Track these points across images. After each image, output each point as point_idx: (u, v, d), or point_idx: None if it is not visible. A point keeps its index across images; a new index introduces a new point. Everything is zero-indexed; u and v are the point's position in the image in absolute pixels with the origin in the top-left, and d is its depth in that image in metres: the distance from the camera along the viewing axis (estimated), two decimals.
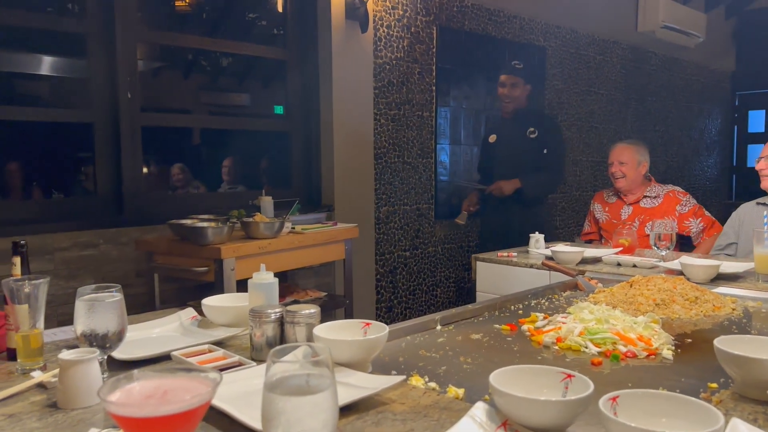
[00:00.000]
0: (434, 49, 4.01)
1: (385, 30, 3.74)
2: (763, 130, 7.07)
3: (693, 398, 0.87)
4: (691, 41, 6.05)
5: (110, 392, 0.63)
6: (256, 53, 3.67)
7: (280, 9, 3.79)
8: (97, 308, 1.11)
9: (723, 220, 3.21)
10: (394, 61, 3.80)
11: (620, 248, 2.70)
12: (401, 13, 3.82)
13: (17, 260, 1.28)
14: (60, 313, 2.54)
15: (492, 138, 3.71)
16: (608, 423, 0.81)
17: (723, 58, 6.89)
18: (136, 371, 0.66)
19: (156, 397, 0.64)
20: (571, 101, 5.10)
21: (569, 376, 0.96)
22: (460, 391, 1.14)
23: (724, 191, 7.18)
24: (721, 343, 1.11)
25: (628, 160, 3.23)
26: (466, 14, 4.20)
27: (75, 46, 3.16)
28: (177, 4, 4.08)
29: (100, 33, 2.88)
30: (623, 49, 5.58)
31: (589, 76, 5.26)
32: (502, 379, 0.95)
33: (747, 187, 6.95)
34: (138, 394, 0.64)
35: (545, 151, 3.57)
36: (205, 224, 2.50)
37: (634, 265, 2.37)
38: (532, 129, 3.58)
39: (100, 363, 1.09)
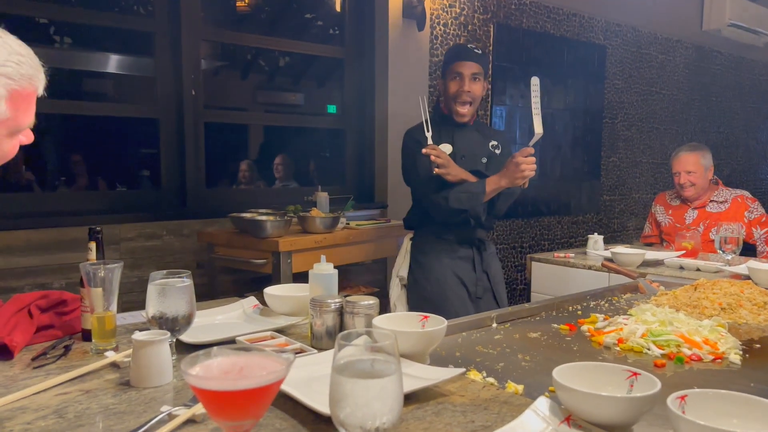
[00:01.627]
0: (491, 47, 3.98)
1: (442, 28, 3.74)
2: None
3: (763, 399, 0.84)
4: (760, 40, 5.81)
5: (191, 366, 0.66)
6: (314, 52, 3.73)
7: (337, 8, 3.83)
8: (168, 292, 1.16)
9: None
10: None
11: (683, 251, 2.62)
12: (458, 11, 3.81)
13: (93, 245, 1.35)
14: (125, 301, 2.65)
15: (445, 149, 2.41)
16: (677, 421, 0.79)
17: None
18: (215, 348, 0.69)
19: (233, 372, 0.66)
20: (632, 101, 4.98)
21: (635, 374, 0.94)
22: (520, 387, 1.14)
23: None
24: None
25: (696, 169, 3.11)
26: (524, 12, 4.15)
27: (142, 45, 3.29)
28: (238, 4, 4.18)
29: (166, 32, 2.99)
30: (687, 48, 5.40)
31: (651, 76, 5.12)
32: (565, 374, 0.94)
33: None
34: (216, 369, 0.67)
35: None
36: (264, 218, 2.56)
37: (698, 269, 2.30)
38: (495, 142, 2.50)
39: (170, 345, 1.14)
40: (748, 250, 3.06)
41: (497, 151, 2.52)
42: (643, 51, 5.02)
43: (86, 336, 1.32)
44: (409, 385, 1.00)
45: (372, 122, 3.65)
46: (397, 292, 2.50)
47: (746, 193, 3.19)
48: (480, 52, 2.43)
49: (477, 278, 2.42)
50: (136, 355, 1.08)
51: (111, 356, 1.20)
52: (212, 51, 4.45)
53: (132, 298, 2.67)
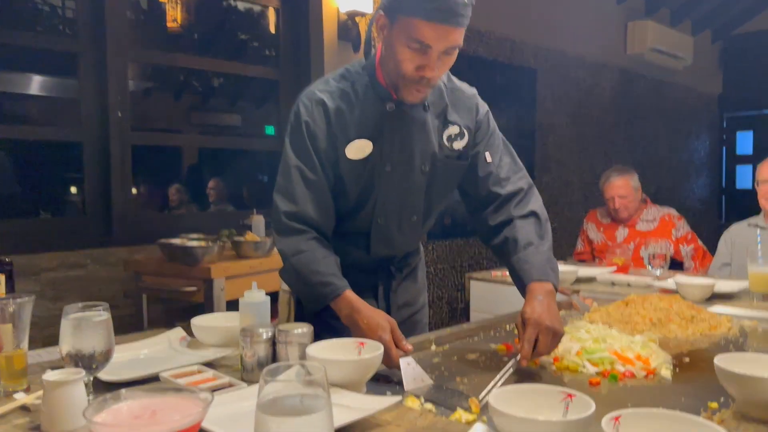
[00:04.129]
0: None
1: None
2: (751, 152, 7.14)
3: (697, 417, 0.85)
4: (679, 64, 6.13)
5: (96, 413, 0.61)
6: (248, 72, 3.67)
7: (272, 30, 3.80)
8: (84, 327, 1.08)
9: (714, 241, 3.21)
10: None
11: (614, 267, 2.69)
12: None
13: (1, 278, 1.25)
14: (46, 335, 2.49)
15: (359, 148, 1.49)
16: None
17: (710, 80, 6.98)
18: (123, 390, 0.64)
19: (144, 417, 0.61)
20: (562, 123, 5.13)
21: (570, 395, 0.93)
22: (471, 417, 1.09)
23: (714, 212, 7.23)
24: (721, 361, 1.09)
25: (627, 192, 3.23)
26: None
27: (65, 66, 3.16)
28: (169, 25, 4.10)
29: (90, 52, 2.87)
30: (612, 72, 5.64)
31: (579, 98, 5.30)
32: (501, 399, 0.93)
33: (737, 209, 7.00)
34: (126, 415, 0.61)
35: (488, 159, 1.61)
36: (194, 243, 2.47)
37: (629, 284, 2.36)
38: (455, 129, 1.57)
39: (86, 384, 1.06)
40: (677, 266, 3.18)
41: (457, 145, 1.57)
42: (571, 74, 5.20)
43: None
44: (343, 418, 0.96)
45: None
46: (285, 302, 1.79)
47: (673, 211, 3.32)
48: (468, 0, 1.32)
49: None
50: (48, 397, 1.00)
51: (21, 398, 1.11)
52: (142, 72, 4.32)
53: (54, 332, 2.50)
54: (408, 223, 1.62)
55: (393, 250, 1.66)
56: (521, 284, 1.49)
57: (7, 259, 1.26)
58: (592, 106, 5.43)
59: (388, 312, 1.67)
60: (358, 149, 1.48)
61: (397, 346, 1.29)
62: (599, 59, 5.46)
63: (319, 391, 0.72)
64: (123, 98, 2.94)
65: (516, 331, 1.41)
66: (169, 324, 2.56)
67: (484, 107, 1.66)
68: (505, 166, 1.62)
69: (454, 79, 1.66)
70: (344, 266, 1.50)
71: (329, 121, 1.48)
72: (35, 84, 3.90)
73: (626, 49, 5.71)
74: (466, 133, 1.59)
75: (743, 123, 7.21)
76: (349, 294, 1.39)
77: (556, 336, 1.35)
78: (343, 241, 1.59)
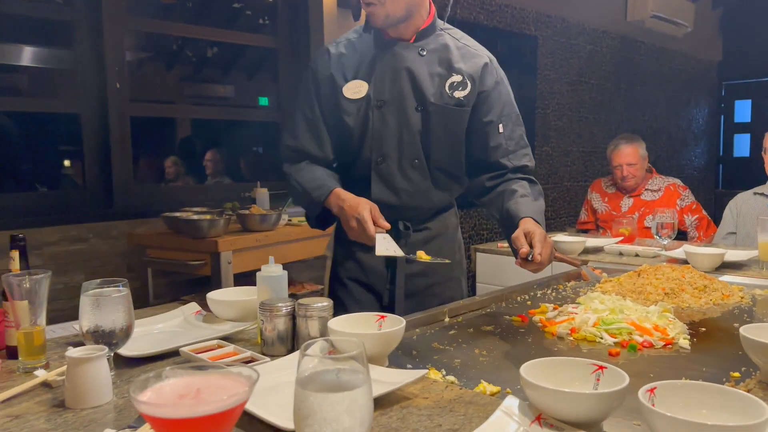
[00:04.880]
0: None
1: None
2: (749, 119, 7.11)
3: (732, 388, 0.85)
4: (679, 30, 6.06)
5: (140, 391, 0.59)
6: (245, 41, 3.61)
7: None
8: (103, 304, 1.07)
9: (710, 209, 3.22)
10: None
11: (621, 237, 2.69)
12: None
13: (15, 254, 1.23)
14: (52, 309, 2.46)
15: (356, 88, 1.62)
16: (650, 415, 0.78)
17: (710, 48, 6.92)
18: (167, 369, 0.62)
19: (189, 396, 0.60)
20: (562, 91, 5.09)
21: (601, 367, 0.93)
22: (495, 388, 1.09)
23: (712, 181, 7.24)
24: (747, 331, 1.09)
25: (636, 160, 3.22)
26: (458, 2, 4.15)
27: (60, 36, 3.08)
28: None
29: (85, 21, 2.80)
30: (613, 39, 5.57)
31: (580, 66, 5.25)
32: (531, 371, 0.92)
33: (734, 177, 7.01)
34: (170, 394, 0.60)
35: (500, 130, 1.67)
36: (200, 217, 2.45)
37: (637, 254, 2.36)
38: (458, 78, 1.62)
39: (108, 360, 1.05)
40: (681, 235, 3.19)
41: (458, 94, 1.61)
42: (572, 41, 5.13)
43: (12, 353, 1.21)
44: (373, 391, 0.96)
45: None
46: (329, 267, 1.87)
47: (678, 181, 3.31)
48: None
49: (386, 279, 1.71)
50: (71, 374, 0.99)
51: (42, 375, 1.10)
52: (135, 42, 4.23)
53: (58, 306, 2.50)
54: (409, 166, 1.67)
55: (395, 195, 1.67)
56: (513, 221, 1.55)
57: (20, 235, 1.23)
58: (592, 73, 5.38)
59: (393, 275, 1.71)
60: (355, 89, 1.64)
61: (375, 224, 1.48)
62: (599, 26, 5.39)
63: (358, 366, 0.71)
64: (120, 69, 2.88)
65: (520, 249, 1.44)
66: (175, 297, 2.56)
67: (497, 72, 1.74)
68: (515, 139, 1.71)
69: (470, 40, 1.76)
70: None
71: (331, 65, 1.67)
72: (28, 55, 3.81)
73: (627, 16, 5.63)
74: (469, 84, 1.66)
75: (742, 91, 7.17)
76: (338, 190, 1.59)
77: (552, 252, 1.48)
78: (349, 189, 1.66)
